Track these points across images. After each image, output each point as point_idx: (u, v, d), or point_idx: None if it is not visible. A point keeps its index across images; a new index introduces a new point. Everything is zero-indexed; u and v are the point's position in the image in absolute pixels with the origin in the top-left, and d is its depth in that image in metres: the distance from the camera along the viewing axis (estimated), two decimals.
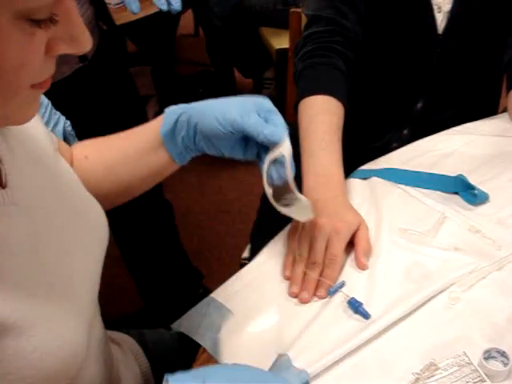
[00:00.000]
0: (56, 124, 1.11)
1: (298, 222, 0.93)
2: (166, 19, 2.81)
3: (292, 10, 1.72)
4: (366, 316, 0.83)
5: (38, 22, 0.48)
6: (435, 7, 1.27)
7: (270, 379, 0.67)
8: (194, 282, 2.00)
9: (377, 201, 1.05)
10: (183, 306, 0.90)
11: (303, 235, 0.93)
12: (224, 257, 2.28)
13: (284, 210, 0.86)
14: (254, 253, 1.41)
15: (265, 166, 0.81)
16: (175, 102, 0.83)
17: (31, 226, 0.62)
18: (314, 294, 0.88)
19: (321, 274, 0.89)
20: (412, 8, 1.27)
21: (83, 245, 0.71)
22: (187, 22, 3.64)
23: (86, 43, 0.53)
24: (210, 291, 0.92)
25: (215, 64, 3.14)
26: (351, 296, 0.86)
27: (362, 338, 0.79)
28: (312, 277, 0.88)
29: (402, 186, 1.09)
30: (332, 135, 1.09)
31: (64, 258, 0.66)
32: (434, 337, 0.80)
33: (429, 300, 0.86)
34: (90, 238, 0.73)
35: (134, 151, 0.85)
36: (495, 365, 0.75)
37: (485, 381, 0.73)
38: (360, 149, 1.37)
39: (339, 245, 0.91)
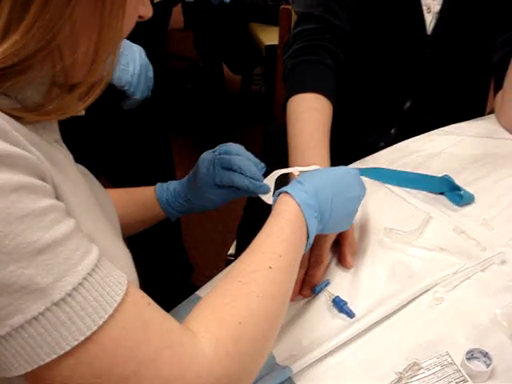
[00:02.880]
0: None
1: None
2: (157, 12, 2.80)
3: (282, 6, 1.72)
4: (350, 315, 0.83)
5: None
6: (425, 8, 1.27)
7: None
8: (186, 275, 2.00)
9: (363, 200, 1.05)
10: (170, 300, 0.89)
11: None
12: (210, 253, 2.27)
13: None
14: (239, 250, 1.41)
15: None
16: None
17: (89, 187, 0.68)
18: (299, 293, 0.88)
19: (306, 273, 0.89)
20: (401, 8, 1.27)
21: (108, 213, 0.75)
22: (177, 16, 3.63)
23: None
24: (196, 287, 0.92)
25: (203, 59, 3.13)
26: (336, 295, 0.86)
27: (345, 336, 0.80)
28: (297, 276, 0.88)
29: (389, 186, 1.09)
30: (320, 133, 1.09)
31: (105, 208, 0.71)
32: (417, 336, 0.81)
33: (413, 300, 0.86)
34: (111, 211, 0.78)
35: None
36: (478, 365, 0.75)
37: (467, 381, 0.74)
38: (347, 147, 1.37)
39: (325, 244, 0.90)
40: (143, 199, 0.98)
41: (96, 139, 1.46)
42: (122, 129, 1.50)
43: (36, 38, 0.50)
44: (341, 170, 0.87)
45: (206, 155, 0.93)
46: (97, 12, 0.53)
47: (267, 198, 0.89)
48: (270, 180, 0.90)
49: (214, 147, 0.93)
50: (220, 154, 0.91)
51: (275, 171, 0.92)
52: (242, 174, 0.88)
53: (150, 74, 1.27)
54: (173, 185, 0.98)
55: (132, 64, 1.20)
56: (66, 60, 0.54)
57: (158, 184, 0.98)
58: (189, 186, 0.95)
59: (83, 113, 0.66)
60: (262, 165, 0.91)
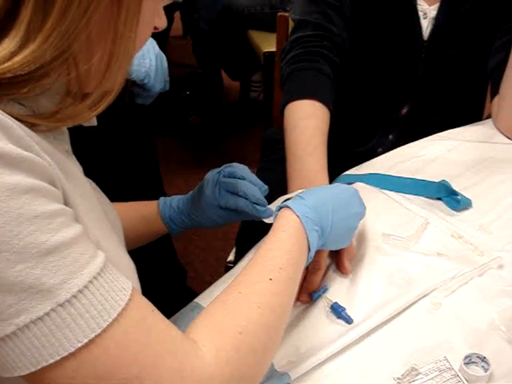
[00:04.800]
0: None
1: None
2: None
3: (279, 13, 1.73)
4: (348, 321, 0.83)
5: None
6: (421, 13, 1.28)
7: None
8: (181, 280, 1.99)
9: None
10: (169, 307, 0.90)
11: None
12: (210, 259, 2.27)
13: None
14: (239, 256, 1.41)
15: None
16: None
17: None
18: (298, 299, 0.88)
19: (304, 280, 0.89)
20: (398, 14, 1.28)
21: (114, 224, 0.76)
22: (176, 24, 3.64)
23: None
24: (195, 293, 0.92)
25: (202, 66, 3.14)
26: (334, 301, 0.86)
27: (344, 342, 0.80)
28: None
29: (386, 192, 1.10)
30: (317, 140, 1.09)
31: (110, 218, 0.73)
32: (415, 342, 0.81)
33: (411, 305, 0.86)
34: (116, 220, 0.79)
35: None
36: (476, 370, 0.75)
37: None
38: (345, 153, 1.38)
39: (323, 251, 0.91)
40: (145, 214, 0.99)
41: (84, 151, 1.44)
42: (107, 140, 1.47)
43: (53, 47, 0.51)
44: (341, 187, 0.89)
45: (211, 176, 0.94)
46: (112, 22, 0.55)
47: (269, 220, 0.90)
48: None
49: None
50: (225, 176, 0.93)
51: (280, 197, 0.94)
52: (246, 199, 0.90)
53: (165, 64, 1.25)
54: (176, 201, 0.99)
55: (147, 56, 1.18)
56: (81, 68, 0.56)
57: (161, 199, 1.00)
58: (192, 204, 0.97)
59: (95, 122, 0.67)
60: (265, 187, 0.93)
